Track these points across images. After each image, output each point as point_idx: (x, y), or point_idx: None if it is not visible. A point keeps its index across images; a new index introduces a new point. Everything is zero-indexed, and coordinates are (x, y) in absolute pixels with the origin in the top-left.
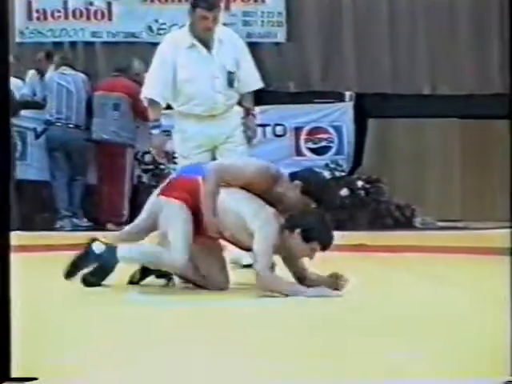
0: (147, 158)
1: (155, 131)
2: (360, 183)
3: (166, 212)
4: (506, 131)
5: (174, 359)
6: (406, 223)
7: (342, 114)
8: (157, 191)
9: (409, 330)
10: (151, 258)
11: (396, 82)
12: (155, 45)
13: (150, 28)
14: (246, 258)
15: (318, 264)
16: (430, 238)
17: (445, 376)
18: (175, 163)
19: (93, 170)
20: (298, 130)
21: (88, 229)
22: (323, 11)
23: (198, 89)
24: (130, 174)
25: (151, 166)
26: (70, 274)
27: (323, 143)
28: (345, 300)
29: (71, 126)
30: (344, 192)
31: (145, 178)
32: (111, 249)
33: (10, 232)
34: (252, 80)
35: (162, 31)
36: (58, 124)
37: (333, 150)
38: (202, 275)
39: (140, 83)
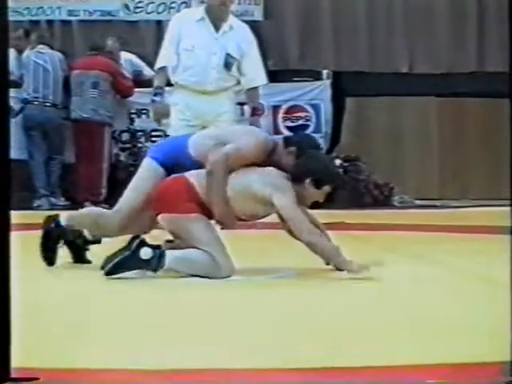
0: (125, 136)
1: (157, 98)
2: (338, 162)
3: (190, 229)
4: (482, 109)
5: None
6: (384, 201)
7: (320, 92)
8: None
9: (390, 308)
10: (200, 267)
11: (374, 61)
12: (132, 23)
13: (126, 6)
14: None
15: (298, 241)
16: (408, 216)
17: (433, 356)
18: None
19: (70, 149)
20: (275, 108)
21: (65, 208)
22: None
23: (194, 59)
24: (108, 153)
25: (129, 145)
26: (110, 272)
27: (301, 121)
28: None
29: (48, 104)
30: None
31: (122, 157)
32: (160, 256)
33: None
34: (257, 76)
35: (138, 9)
36: (35, 103)
37: (310, 129)
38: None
39: (116, 60)
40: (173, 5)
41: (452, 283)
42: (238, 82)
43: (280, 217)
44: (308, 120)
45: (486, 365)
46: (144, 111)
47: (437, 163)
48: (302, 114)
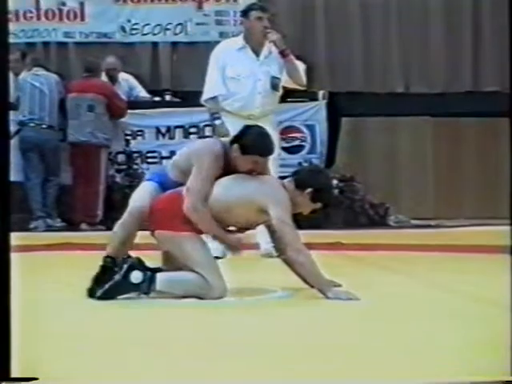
0: (120, 157)
1: (218, 122)
2: (334, 182)
3: (184, 248)
4: (477, 129)
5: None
6: (379, 221)
7: (315, 112)
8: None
9: (387, 328)
10: (191, 288)
11: (369, 81)
12: (128, 45)
13: (122, 28)
14: None
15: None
16: (403, 236)
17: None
18: None
19: (66, 171)
20: None
21: (62, 229)
22: (296, 10)
23: (241, 87)
24: (105, 175)
25: (124, 166)
26: (102, 297)
27: (296, 142)
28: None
29: (44, 126)
30: None
31: (118, 178)
32: (151, 279)
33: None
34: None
35: (134, 31)
36: (31, 125)
37: (306, 149)
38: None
39: (115, 78)
40: (168, 26)
41: (447, 303)
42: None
43: (269, 229)
44: (303, 141)
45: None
46: (139, 133)
47: (432, 183)
48: (298, 135)
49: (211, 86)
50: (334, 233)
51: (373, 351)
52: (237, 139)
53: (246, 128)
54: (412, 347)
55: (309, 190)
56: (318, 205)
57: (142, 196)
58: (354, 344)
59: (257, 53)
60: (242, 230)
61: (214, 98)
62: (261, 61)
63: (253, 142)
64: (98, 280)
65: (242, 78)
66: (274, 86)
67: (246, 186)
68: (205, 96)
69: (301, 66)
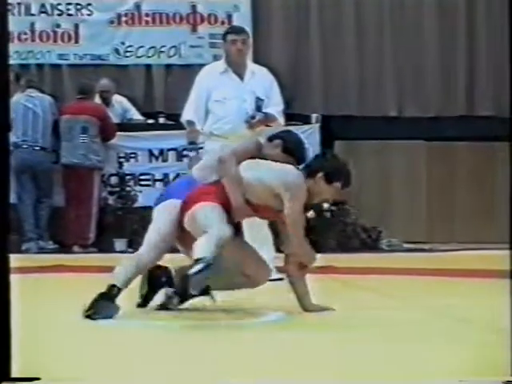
0: (113, 180)
1: (192, 154)
2: (326, 205)
3: (200, 213)
4: (470, 153)
5: None
6: (372, 245)
7: (309, 136)
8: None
9: (380, 351)
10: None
11: (362, 104)
12: (122, 67)
13: (116, 50)
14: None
15: (287, 285)
16: (396, 259)
17: None
18: None
19: (59, 193)
20: None
21: (54, 251)
22: (290, 34)
23: (227, 109)
24: (98, 197)
25: (117, 189)
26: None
27: None
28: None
29: (37, 148)
30: (310, 214)
31: (111, 200)
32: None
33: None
34: (278, 116)
35: (128, 53)
36: (25, 146)
37: None
38: (247, 275)
39: (109, 100)
40: (162, 49)
41: (439, 326)
42: (267, 125)
43: (277, 220)
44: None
45: None
46: (132, 155)
47: (425, 207)
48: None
49: (189, 109)
50: (326, 256)
51: (366, 375)
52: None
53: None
54: (405, 370)
55: (320, 174)
56: (337, 185)
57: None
58: (345, 366)
59: (240, 75)
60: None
61: (191, 123)
62: (245, 82)
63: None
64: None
65: (228, 101)
66: (258, 107)
67: (266, 173)
68: (183, 117)
69: (280, 106)
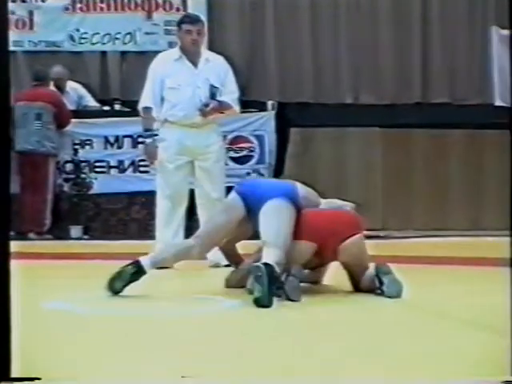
0: (68, 167)
1: (148, 140)
2: None
3: None
4: (426, 140)
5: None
6: None
7: (264, 123)
8: None
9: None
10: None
11: (318, 91)
12: (77, 54)
13: (71, 37)
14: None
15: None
16: None
17: None
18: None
19: (14, 180)
20: None
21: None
22: (245, 21)
23: (181, 96)
24: (53, 184)
25: (72, 176)
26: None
27: (245, 152)
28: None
29: None
30: None
31: (66, 187)
32: None
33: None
34: (233, 105)
35: (83, 40)
36: None
37: (254, 159)
38: None
39: (63, 87)
40: (117, 36)
41: (392, 312)
42: (221, 113)
43: None
44: (252, 151)
45: None
46: (88, 142)
47: (380, 194)
48: (246, 145)
49: (146, 97)
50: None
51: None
52: None
53: None
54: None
55: None
56: None
57: None
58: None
59: (194, 62)
60: None
61: (148, 110)
62: (199, 70)
63: None
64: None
65: (182, 88)
66: (213, 95)
67: None
68: (140, 105)
69: (235, 94)
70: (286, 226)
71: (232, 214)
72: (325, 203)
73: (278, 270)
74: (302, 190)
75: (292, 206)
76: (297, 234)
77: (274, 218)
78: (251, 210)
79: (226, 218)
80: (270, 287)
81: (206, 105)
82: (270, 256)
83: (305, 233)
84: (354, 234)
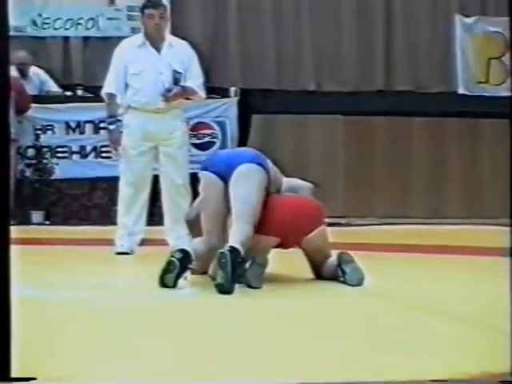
0: (30, 152)
1: (112, 126)
2: None
3: None
4: (388, 127)
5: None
6: None
7: (227, 109)
8: None
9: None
10: None
11: (281, 78)
12: (40, 39)
13: (34, 22)
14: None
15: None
16: None
17: None
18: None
19: None
20: None
21: None
22: (207, 7)
23: (144, 82)
24: (14, 169)
25: (34, 161)
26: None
27: (207, 139)
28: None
29: None
30: None
31: (28, 173)
32: None
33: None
34: (198, 90)
35: (46, 25)
36: None
37: (216, 146)
38: None
39: (26, 72)
40: (80, 21)
41: (352, 300)
42: (186, 99)
43: None
44: (214, 137)
45: None
46: (49, 127)
47: (342, 181)
48: (208, 132)
49: (106, 83)
50: None
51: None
52: None
53: None
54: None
55: None
56: None
57: None
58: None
59: (157, 48)
60: None
61: (112, 96)
62: (162, 55)
63: None
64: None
65: (145, 73)
66: (176, 81)
67: None
68: (103, 90)
69: (200, 80)
70: (257, 191)
71: (219, 193)
72: (285, 182)
73: (243, 251)
74: (268, 160)
75: (263, 170)
76: (261, 227)
77: (244, 185)
78: (226, 181)
79: (220, 199)
80: (234, 274)
81: (169, 90)
82: (237, 235)
83: (269, 227)
84: (317, 227)
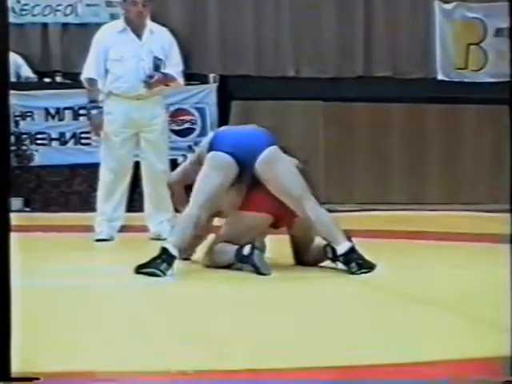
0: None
1: (94, 111)
2: None
3: None
4: (368, 114)
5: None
6: None
7: (206, 95)
8: None
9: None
10: None
11: (260, 65)
12: (18, 26)
13: (12, 9)
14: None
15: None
16: None
17: None
18: None
19: None
20: None
21: None
22: None
23: (124, 68)
24: None
25: (13, 148)
26: None
27: (186, 125)
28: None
29: None
30: None
31: None
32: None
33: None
34: (177, 77)
35: (24, 12)
36: None
37: (196, 132)
38: None
39: None
40: (59, 7)
41: (332, 286)
42: (165, 85)
43: None
44: (193, 123)
45: None
46: (28, 114)
47: (322, 167)
48: (188, 118)
49: (90, 68)
50: None
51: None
52: None
53: None
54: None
55: None
56: None
57: None
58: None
59: (138, 34)
60: None
61: (92, 81)
62: (143, 41)
63: None
64: None
65: (125, 60)
66: (157, 67)
67: None
68: (83, 75)
69: (179, 67)
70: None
71: (228, 173)
72: None
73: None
74: None
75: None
76: (254, 205)
77: (281, 164)
78: (243, 165)
79: (224, 178)
80: None
81: (151, 77)
82: (319, 208)
83: (262, 204)
84: None
